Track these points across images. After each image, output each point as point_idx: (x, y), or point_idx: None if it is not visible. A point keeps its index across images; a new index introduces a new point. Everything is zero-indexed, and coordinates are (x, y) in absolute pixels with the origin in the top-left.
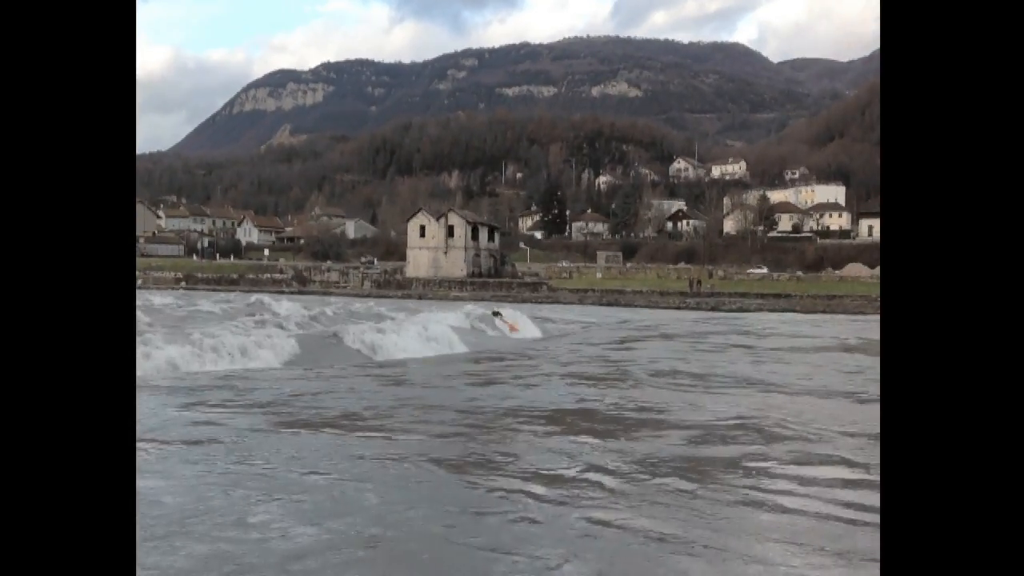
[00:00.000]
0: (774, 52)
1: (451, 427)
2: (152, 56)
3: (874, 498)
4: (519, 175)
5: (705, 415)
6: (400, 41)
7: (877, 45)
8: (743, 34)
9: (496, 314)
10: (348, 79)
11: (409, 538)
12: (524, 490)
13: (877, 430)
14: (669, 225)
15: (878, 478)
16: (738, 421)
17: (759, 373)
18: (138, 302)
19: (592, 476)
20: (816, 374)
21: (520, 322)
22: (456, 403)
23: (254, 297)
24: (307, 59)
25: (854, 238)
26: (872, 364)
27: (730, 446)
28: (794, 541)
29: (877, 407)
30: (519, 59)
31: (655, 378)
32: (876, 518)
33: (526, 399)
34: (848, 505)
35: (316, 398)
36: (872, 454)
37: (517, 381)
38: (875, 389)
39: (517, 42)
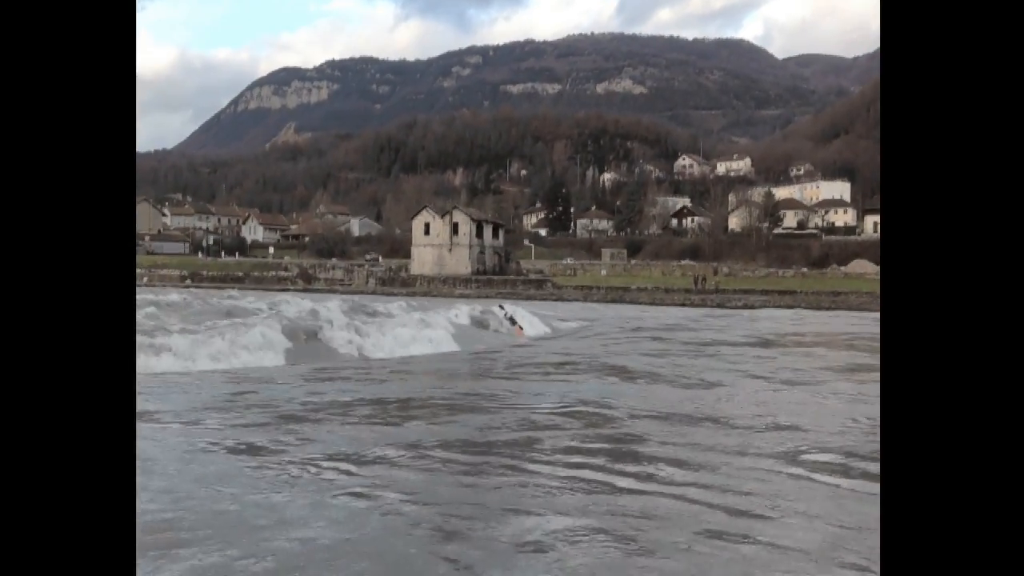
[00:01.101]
0: (779, 49)
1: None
2: (158, 55)
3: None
4: (523, 172)
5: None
6: (405, 39)
7: None
8: (749, 31)
9: (511, 319)
10: (353, 77)
11: None
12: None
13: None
14: (674, 222)
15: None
16: (571, 408)
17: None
18: (152, 298)
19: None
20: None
21: (524, 320)
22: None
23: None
24: (312, 57)
25: (859, 234)
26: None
27: (526, 432)
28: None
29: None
30: (523, 56)
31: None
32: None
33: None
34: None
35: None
36: (669, 433)
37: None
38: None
39: (521, 39)
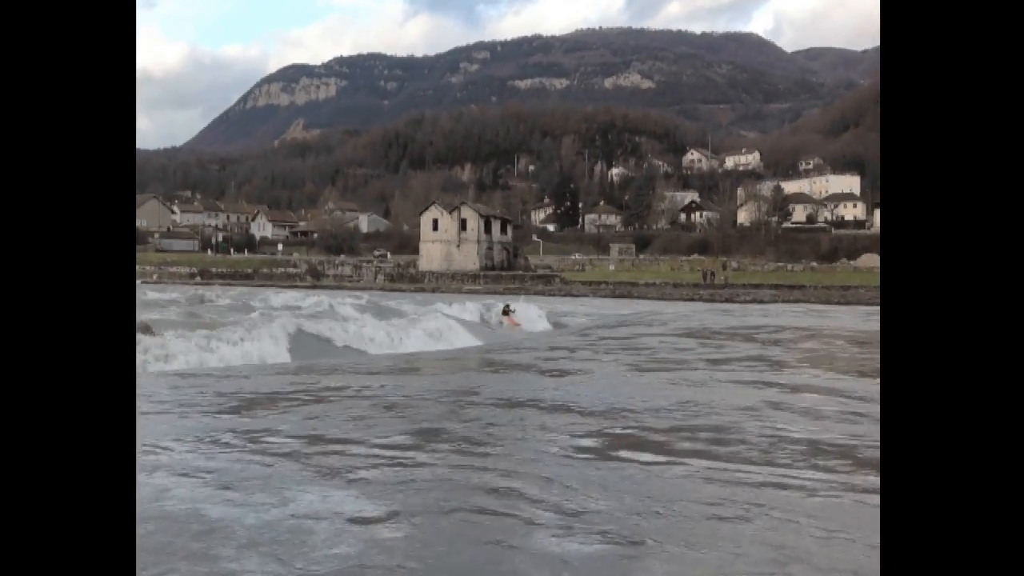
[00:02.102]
0: (789, 42)
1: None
2: (168, 52)
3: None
4: (532, 168)
5: None
6: (414, 35)
7: None
8: (759, 24)
9: (506, 311)
10: (361, 73)
11: None
12: None
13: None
14: (682, 217)
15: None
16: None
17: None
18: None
19: None
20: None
21: (530, 315)
22: None
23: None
24: (322, 54)
25: (869, 228)
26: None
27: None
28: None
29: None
30: (531, 51)
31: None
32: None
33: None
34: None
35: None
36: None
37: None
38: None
39: (529, 35)
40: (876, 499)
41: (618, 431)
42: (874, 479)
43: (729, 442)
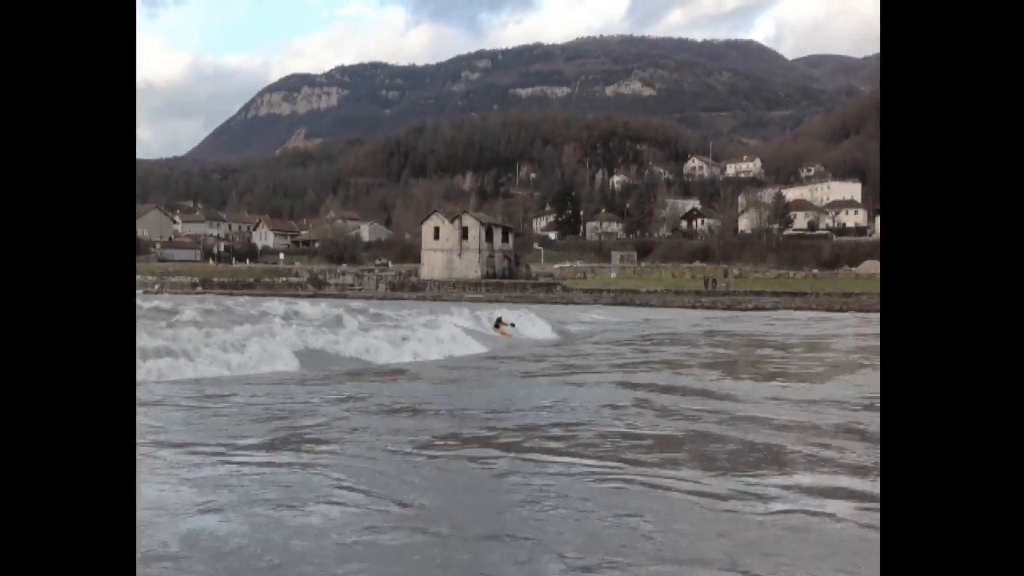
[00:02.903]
0: (792, 49)
1: None
2: (171, 62)
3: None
4: (533, 176)
5: None
6: (416, 44)
7: None
8: (761, 31)
9: (498, 324)
10: (362, 82)
11: None
12: None
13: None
14: (684, 224)
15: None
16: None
17: None
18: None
19: None
20: None
21: (522, 322)
22: None
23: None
24: (325, 63)
25: (871, 235)
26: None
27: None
28: None
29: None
30: (532, 60)
31: None
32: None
33: None
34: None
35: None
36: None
37: None
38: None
39: (530, 43)
40: (664, 485)
41: (465, 433)
42: (670, 471)
43: (565, 438)
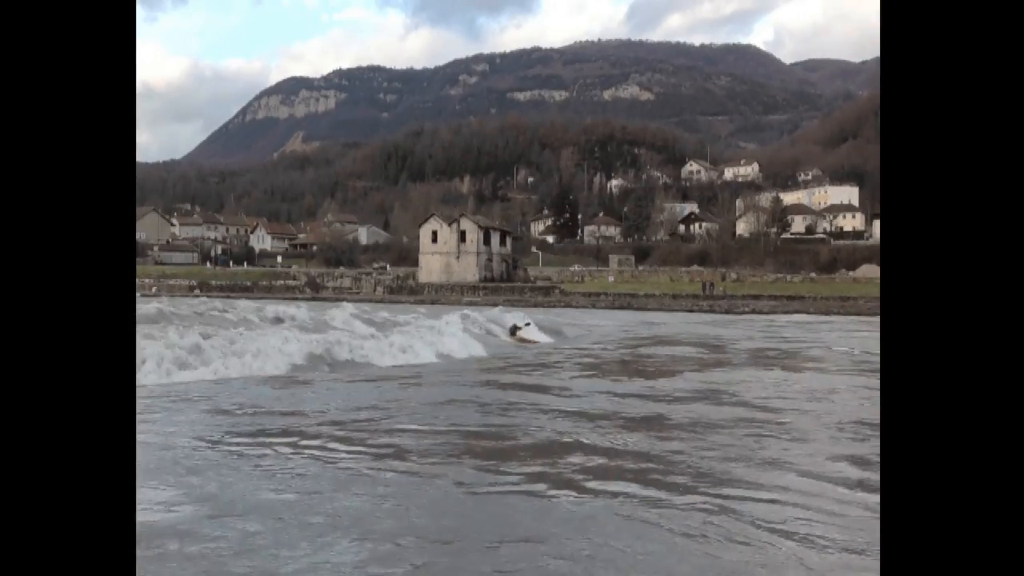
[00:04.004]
0: (790, 53)
1: None
2: (170, 67)
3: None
4: (531, 180)
5: None
6: (415, 48)
7: None
8: (759, 36)
9: (515, 330)
10: (360, 86)
11: None
12: None
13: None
14: (681, 228)
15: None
16: None
17: None
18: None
19: None
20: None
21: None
22: None
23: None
24: (324, 67)
25: (868, 239)
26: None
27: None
28: None
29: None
30: (530, 64)
31: None
32: None
33: None
34: None
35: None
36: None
37: None
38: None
39: (528, 47)
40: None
41: (338, 432)
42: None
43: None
